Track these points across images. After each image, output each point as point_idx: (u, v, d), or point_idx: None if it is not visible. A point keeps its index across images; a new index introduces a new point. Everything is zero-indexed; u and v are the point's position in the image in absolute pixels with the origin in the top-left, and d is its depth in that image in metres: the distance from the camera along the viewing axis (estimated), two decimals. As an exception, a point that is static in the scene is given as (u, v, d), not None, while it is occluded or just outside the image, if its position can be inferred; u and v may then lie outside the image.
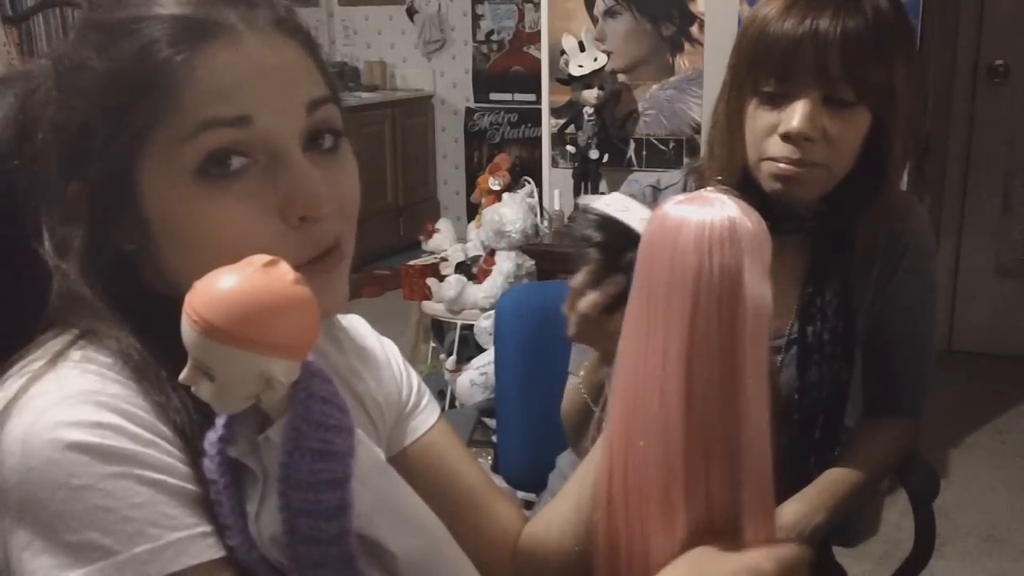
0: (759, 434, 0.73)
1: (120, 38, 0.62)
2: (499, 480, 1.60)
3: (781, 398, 1.23)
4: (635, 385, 0.74)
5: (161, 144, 0.61)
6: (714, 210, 0.70)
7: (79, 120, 0.63)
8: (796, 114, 1.06)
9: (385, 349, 0.90)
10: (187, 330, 0.54)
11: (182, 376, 0.56)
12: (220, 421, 0.60)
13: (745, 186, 1.13)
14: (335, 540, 0.57)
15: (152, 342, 0.64)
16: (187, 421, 0.62)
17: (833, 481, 1.21)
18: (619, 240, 0.79)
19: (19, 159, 0.69)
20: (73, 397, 0.59)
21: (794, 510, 1.16)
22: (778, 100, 1.09)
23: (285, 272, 0.56)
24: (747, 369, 0.71)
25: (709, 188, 0.73)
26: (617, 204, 0.80)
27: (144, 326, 0.64)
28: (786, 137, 1.08)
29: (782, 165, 1.09)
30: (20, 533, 0.57)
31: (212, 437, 0.60)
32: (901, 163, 1.16)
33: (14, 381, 0.61)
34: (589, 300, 0.81)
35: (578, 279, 0.82)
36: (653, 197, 1.23)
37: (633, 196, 1.21)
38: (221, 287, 0.54)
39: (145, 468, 0.59)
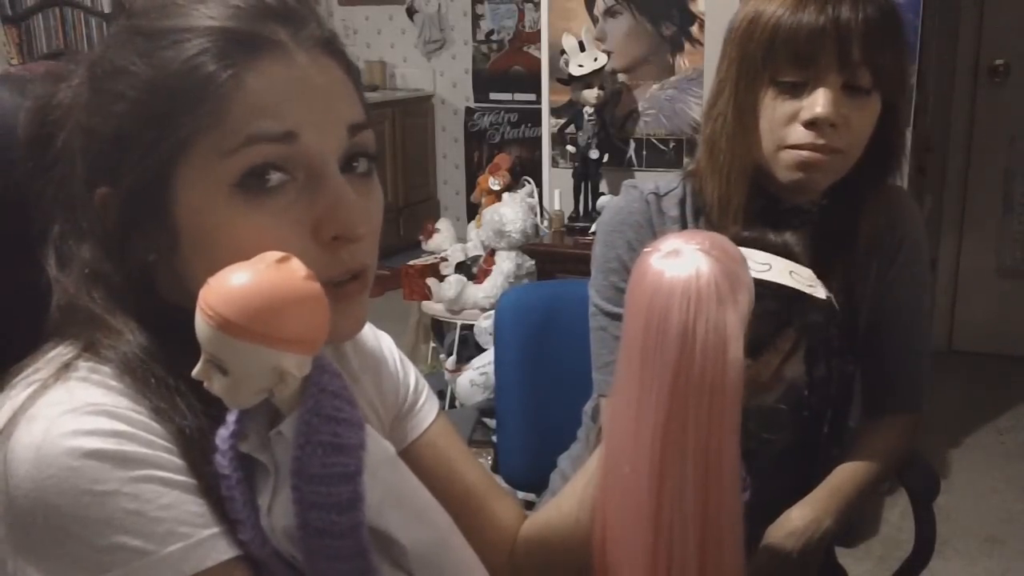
0: (733, 519, 0.72)
1: (166, 47, 0.62)
2: (499, 480, 1.60)
3: (791, 396, 1.23)
4: (611, 443, 0.75)
5: (202, 155, 0.61)
6: (687, 267, 0.68)
7: (116, 125, 0.63)
8: (821, 100, 1.08)
9: (382, 346, 0.90)
10: (201, 326, 0.55)
11: (195, 371, 0.57)
12: (231, 417, 0.61)
13: (752, 182, 1.14)
14: (348, 533, 0.58)
15: (160, 349, 0.64)
16: (193, 425, 0.62)
17: (840, 483, 1.21)
18: (777, 303, 0.75)
19: (34, 161, 0.68)
20: (84, 408, 0.59)
21: (802, 515, 1.16)
22: (798, 89, 1.10)
23: (297, 268, 0.57)
24: (725, 448, 0.70)
25: (692, 240, 0.71)
26: (756, 264, 0.75)
27: (153, 335, 0.64)
28: (811, 124, 1.09)
29: (805, 152, 1.10)
30: (33, 546, 0.57)
31: (223, 433, 0.61)
32: (904, 150, 1.19)
33: (20, 391, 0.61)
34: (760, 364, 0.78)
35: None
36: (657, 204, 1.22)
37: (635, 203, 1.22)
38: (235, 283, 0.55)
39: (166, 471, 0.59)
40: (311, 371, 0.59)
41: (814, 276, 0.78)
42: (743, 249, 0.75)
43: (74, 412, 0.58)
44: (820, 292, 0.76)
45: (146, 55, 0.62)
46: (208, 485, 0.61)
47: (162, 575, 0.57)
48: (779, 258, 0.77)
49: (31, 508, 0.56)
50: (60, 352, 0.64)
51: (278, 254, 0.57)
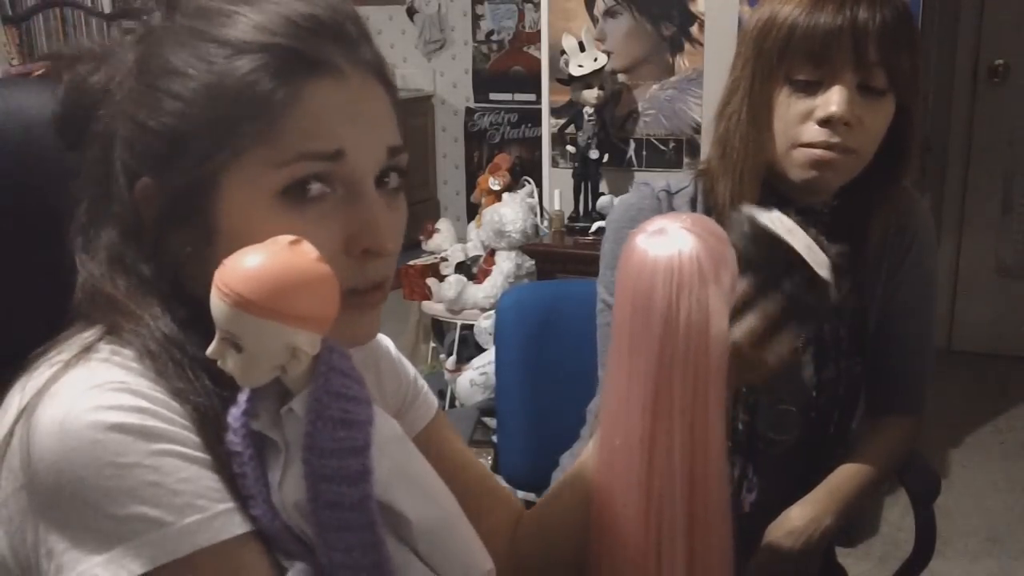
0: (720, 486, 0.75)
1: (227, 57, 0.64)
2: (500, 480, 1.60)
3: (802, 397, 1.23)
4: (605, 417, 0.77)
5: (253, 163, 0.64)
6: (670, 246, 0.71)
7: (168, 124, 0.65)
8: (835, 98, 1.08)
9: (380, 344, 0.91)
10: (218, 304, 0.58)
11: (210, 350, 0.59)
12: (242, 397, 0.63)
13: (764, 182, 1.15)
14: (357, 505, 0.60)
15: (179, 336, 0.66)
16: (208, 405, 0.64)
17: (840, 482, 1.21)
18: (781, 261, 0.75)
19: (65, 138, 0.71)
20: (107, 384, 0.61)
21: (802, 514, 1.17)
22: (813, 87, 1.10)
23: (309, 250, 0.60)
24: (711, 421, 0.73)
25: (677, 220, 0.73)
26: (781, 224, 0.76)
27: (173, 323, 0.66)
28: (825, 122, 1.09)
29: (819, 151, 1.11)
30: (55, 516, 0.58)
31: (235, 412, 0.63)
32: (917, 152, 1.19)
33: (43, 371, 0.63)
34: (744, 327, 0.75)
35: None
36: (668, 202, 1.22)
37: (645, 200, 1.23)
38: (251, 263, 0.58)
39: (185, 446, 0.61)
40: (321, 351, 0.61)
41: (830, 267, 0.77)
42: (774, 212, 0.77)
43: (97, 388, 0.60)
44: (824, 272, 0.75)
45: (205, 60, 0.64)
46: (221, 462, 0.63)
47: (179, 546, 0.59)
48: (804, 234, 0.77)
49: (55, 480, 0.58)
50: (82, 335, 0.66)
51: (290, 237, 0.60)
